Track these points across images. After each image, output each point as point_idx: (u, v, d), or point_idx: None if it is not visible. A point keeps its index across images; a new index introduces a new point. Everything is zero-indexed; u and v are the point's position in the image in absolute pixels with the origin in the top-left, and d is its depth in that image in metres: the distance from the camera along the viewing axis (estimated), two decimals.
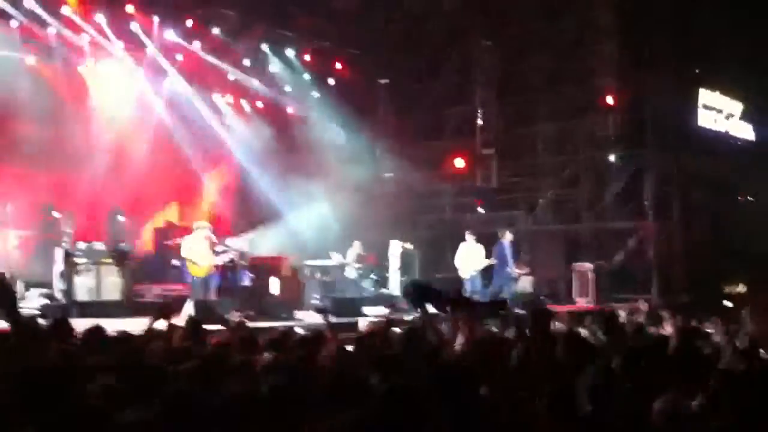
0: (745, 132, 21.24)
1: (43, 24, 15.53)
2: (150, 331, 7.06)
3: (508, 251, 15.95)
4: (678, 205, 18.86)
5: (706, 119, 20.04)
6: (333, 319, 8.91)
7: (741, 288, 18.33)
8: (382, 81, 21.29)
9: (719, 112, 20.48)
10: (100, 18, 15.91)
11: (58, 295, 12.77)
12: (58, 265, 12.99)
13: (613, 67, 18.56)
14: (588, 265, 17.54)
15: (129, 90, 17.35)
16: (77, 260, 12.98)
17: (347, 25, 19.43)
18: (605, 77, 18.65)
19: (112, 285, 13.12)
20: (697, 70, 20.07)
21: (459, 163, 20.52)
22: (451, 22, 20.08)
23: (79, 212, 15.14)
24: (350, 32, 19.67)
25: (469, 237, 16.15)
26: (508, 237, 16.03)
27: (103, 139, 16.45)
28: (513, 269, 15.91)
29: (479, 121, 20.50)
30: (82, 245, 13.46)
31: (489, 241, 16.64)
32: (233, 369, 5.35)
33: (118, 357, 5.66)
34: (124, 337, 6.80)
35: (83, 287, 12.86)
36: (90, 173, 15.98)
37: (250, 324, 9.44)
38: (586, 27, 18.92)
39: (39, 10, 15.17)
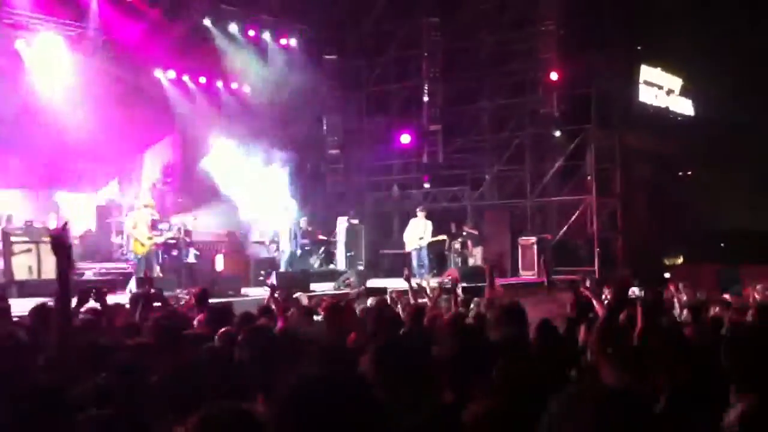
0: (685, 107, 21.69)
1: None
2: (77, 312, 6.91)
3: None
4: (619, 181, 19.21)
5: (647, 95, 20.40)
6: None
7: (679, 260, 18.80)
8: (328, 57, 21.13)
9: (660, 88, 20.88)
10: None
11: None
12: None
13: (557, 46, 18.75)
14: (532, 239, 17.79)
15: (67, 66, 16.89)
16: (16, 239, 12.69)
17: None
18: (548, 55, 18.84)
19: (51, 264, 12.83)
20: (638, 47, 20.39)
21: (405, 139, 20.59)
22: None
23: (17, 191, 14.78)
24: (295, 7, 19.45)
25: (420, 213, 16.26)
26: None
27: (42, 116, 16.01)
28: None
29: (425, 98, 20.54)
30: (20, 224, 13.16)
31: (435, 217, 16.82)
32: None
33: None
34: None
35: (22, 266, 12.60)
36: (29, 151, 15.57)
37: None
38: (530, 5, 19.07)
39: None
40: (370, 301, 8.74)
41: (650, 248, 19.19)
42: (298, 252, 14.70)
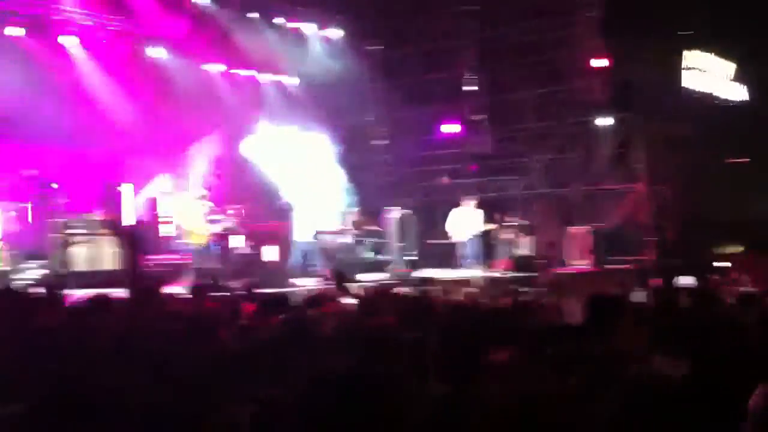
0: (739, 93, 21.28)
1: None
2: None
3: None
4: (668, 168, 18.91)
5: (696, 81, 20.06)
6: None
7: (736, 249, 18.47)
8: (371, 47, 21.13)
9: (710, 74, 20.51)
10: None
11: (56, 267, 12.71)
12: (55, 237, 12.92)
13: (599, 32, 18.51)
14: (583, 228, 17.61)
15: (115, 60, 17.12)
16: (74, 231, 12.95)
17: None
18: (591, 41, 18.62)
19: (108, 255, 13.08)
20: (687, 32, 20.05)
21: (452, 128, 20.54)
22: None
23: (74, 184, 15.03)
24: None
25: (469, 202, 16.20)
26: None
27: (94, 111, 16.25)
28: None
29: (469, 87, 20.47)
30: (78, 217, 13.40)
31: (483, 207, 16.77)
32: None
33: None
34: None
35: (80, 258, 12.85)
36: (83, 145, 15.81)
37: None
38: None
39: None
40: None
41: (702, 237, 18.88)
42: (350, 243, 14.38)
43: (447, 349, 3.78)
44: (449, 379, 3.50)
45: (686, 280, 10.49)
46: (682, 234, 18.45)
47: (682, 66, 19.75)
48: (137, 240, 5.06)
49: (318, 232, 15.49)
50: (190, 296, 8.71)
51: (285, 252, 14.38)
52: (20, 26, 15.54)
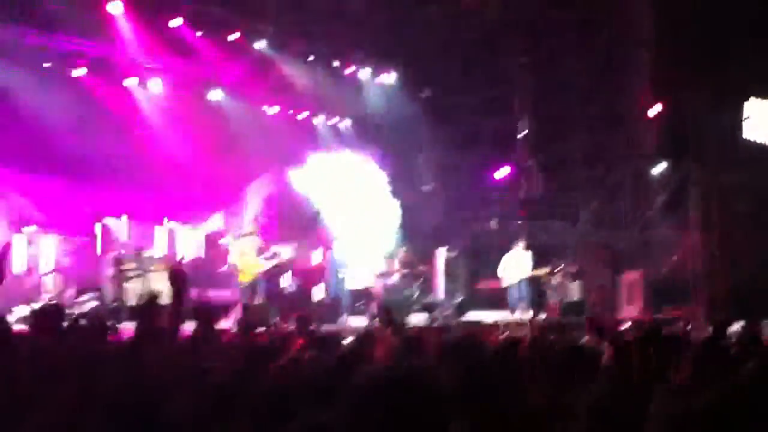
0: None
1: (92, 37, 15.78)
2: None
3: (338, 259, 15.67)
4: (722, 218, 18.59)
5: (752, 130, 19.73)
6: None
7: None
8: (424, 93, 21.37)
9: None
10: (145, 31, 16.12)
11: (108, 300, 13.03)
12: (109, 271, 13.26)
13: (653, 78, 18.42)
14: (635, 275, 17.38)
15: (175, 102, 17.62)
16: (127, 266, 13.26)
17: (388, 38, 19.60)
18: (644, 88, 18.52)
19: (162, 290, 13.31)
20: (741, 79, 19.78)
21: (502, 173, 20.55)
22: (489, 34, 20.10)
23: (128, 220, 15.41)
24: (393, 46, 19.85)
25: (519, 245, 16.16)
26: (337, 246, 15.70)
27: (151, 150, 16.71)
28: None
29: (520, 133, 20.49)
30: (132, 252, 13.73)
31: (533, 252, 16.67)
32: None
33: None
34: None
35: (133, 292, 13.12)
36: (138, 183, 16.25)
37: None
38: (624, 37, 18.82)
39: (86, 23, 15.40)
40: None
41: (756, 288, 18.46)
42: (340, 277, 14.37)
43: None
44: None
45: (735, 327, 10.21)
46: (735, 283, 18.10)
47: (744, 114, 19.42)
48: (186, 278, 5.19)
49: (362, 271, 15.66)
50: (238, 332, 8.85)
51: (328, 289, 14.53)
52: (83, 67, 16.07)
